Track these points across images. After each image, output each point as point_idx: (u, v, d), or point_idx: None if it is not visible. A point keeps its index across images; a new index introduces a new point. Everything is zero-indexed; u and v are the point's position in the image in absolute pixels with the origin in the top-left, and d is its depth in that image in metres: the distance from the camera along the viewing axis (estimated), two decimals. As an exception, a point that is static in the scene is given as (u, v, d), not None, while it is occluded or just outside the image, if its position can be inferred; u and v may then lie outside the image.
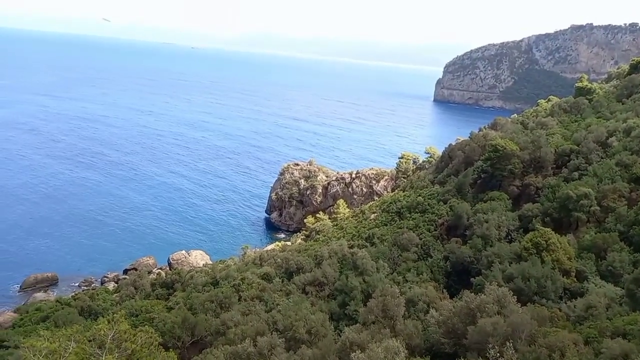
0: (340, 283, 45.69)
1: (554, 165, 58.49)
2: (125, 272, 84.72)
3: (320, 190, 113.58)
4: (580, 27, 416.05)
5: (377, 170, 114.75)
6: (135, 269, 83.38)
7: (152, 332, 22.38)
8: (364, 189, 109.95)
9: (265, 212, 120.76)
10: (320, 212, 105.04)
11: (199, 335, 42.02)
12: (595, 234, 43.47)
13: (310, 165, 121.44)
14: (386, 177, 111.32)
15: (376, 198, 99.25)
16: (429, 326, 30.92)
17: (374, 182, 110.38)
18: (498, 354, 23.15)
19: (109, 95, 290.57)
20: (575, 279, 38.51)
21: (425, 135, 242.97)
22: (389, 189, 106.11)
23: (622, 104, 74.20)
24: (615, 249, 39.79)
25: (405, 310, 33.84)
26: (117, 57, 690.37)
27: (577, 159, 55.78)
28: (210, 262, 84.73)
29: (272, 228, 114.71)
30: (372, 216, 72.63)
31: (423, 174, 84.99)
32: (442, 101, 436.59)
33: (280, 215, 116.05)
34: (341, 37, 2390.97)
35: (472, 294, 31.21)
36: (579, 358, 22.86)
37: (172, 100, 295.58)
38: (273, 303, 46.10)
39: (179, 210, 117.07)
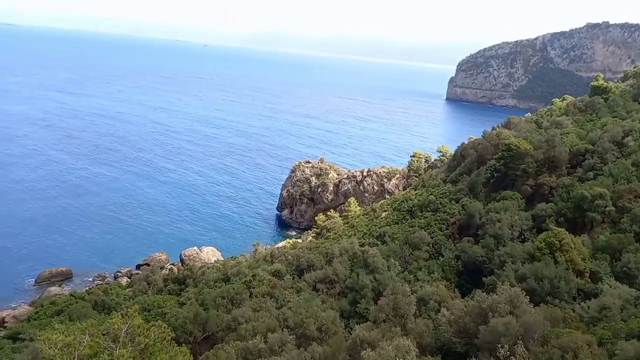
0: (351, 281, 45.70)
1: (569, 165, 57.84)
2: (138, 267, 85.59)
3: (331, 188, 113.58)
4: (596, 25, 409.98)
5: (388, 169, 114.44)
6: (148, 265, 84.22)
7: (164, 327, 22.57)
8: (375, 187, 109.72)
9: (277, 209, 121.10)
10: (331, 210, 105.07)
11: (211, 331, 42.34)
12: (610, 234, 42.96)
13: (321, 162, 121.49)
14: (398, 175, 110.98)
15: (387, 196, 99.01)
16: (440, 325, 30.81)
17: (385, 180, 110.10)
18: (509, 354, 23.01)
19: (123, 92, 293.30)
20: (589, 280, 38.10)
21: (438, 134, 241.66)
22: (401, 188, 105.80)
23: (639, 103, 73.11)
24: (630, 249, 39.28)
25: (416, 309, 33.78)
26: (132, 54, 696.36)
27: (592, 158, 55.11)
28: (222, 259, 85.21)
29: (283, 225, 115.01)
30: (384, 214, 72.47)
31: (435, 173, 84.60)
32: (454, 100, 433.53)
33: (291, 212, 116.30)
34: (353, 35, 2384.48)
35: (484, 293, 31.02)
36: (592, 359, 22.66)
37: (185, 97, 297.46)
38: (284, 300, 46.27)
39: (191, 206, 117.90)
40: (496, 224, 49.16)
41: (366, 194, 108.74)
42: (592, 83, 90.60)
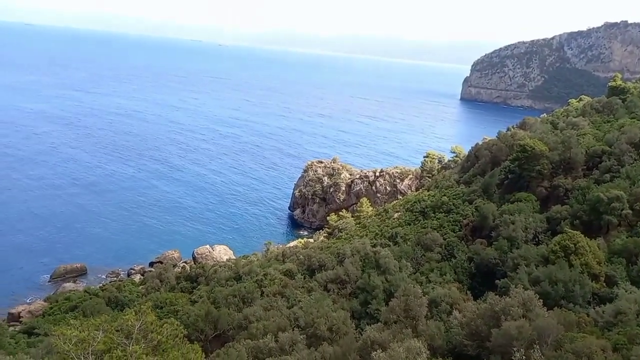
0: (362, 281, 45.60)
1: (585, 167, 56.90)
2: (151, 265, 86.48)
3: (343, 188, 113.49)
4: (614, 24, 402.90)
5: (401, 169, 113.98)
6: (161, 262, 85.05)
7: (177, 324, 22.76)
8: (387, 187, 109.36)
9: (289, 208, 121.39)
10: (343, 210, 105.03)
11: (222, 329, 42.57)
12: (627, 238, 42.17)
13: (334, 162, 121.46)
14: (410, 176, 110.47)
15: (400, 197, 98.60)
16: (452, 327, 30.60)
17: (398, 180, 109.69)
18: (523, 358, 22.77)
19: (140, 91, 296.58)
20: (604, 284, 37.47)
21: (451, 134, 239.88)
22: (413, 188, 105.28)
23: (658, 104, 71.70)
24: (647, 254, 38.56)
25: (427, 311, 33.60)
26: (148, 54, 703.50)
27: (609, 160, 54.11)
28: (234, 257, 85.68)
29: (295, 225, 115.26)
30: (396, 215, 72.17)
31: (448, 174, 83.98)
32: (469, 100, 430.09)
33: (303, 212, 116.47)
34: (366, 35, 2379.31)
35: (497, 296, 30.70)
36: (606, 365, 22.32)
37: (201, 97, 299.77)
38: (295, 299, 46.35)
39: (204, 205, 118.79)
40: (510, 226, 48.59)
41: (378, 195, 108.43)
42: (609, 83, 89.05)
